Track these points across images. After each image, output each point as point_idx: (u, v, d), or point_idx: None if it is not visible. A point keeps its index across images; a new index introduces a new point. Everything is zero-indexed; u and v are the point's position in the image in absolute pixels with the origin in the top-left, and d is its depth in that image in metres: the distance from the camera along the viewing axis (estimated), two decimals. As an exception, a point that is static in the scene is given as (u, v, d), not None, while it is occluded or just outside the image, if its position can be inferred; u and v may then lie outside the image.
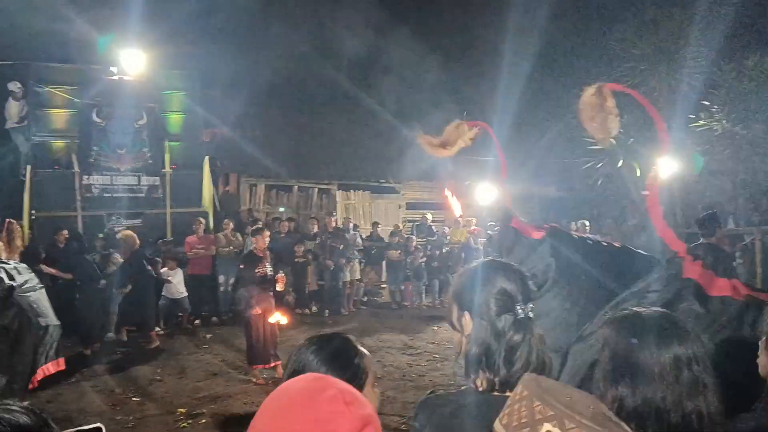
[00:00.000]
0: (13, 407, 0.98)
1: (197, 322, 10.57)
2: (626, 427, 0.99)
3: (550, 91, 15.07)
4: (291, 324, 9.88)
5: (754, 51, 11.18)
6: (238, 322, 8.75)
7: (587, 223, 12.41)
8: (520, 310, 1.60)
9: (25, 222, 10.61)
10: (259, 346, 7.31)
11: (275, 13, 15.57)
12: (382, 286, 13.23)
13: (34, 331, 6.17)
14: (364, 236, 13.43)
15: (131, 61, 10.78)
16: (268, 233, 7.94)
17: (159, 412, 6.43)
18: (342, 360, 1.63)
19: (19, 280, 6.03)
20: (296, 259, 11.55)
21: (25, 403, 1.03)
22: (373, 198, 15.41)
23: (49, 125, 11.43)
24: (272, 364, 7.32)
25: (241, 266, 7.86)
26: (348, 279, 12.03)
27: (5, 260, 6.11)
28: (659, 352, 1.41)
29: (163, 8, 12.35)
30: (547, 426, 0.92)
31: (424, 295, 13.00)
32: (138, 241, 9.18)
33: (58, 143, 11.44)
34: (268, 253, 7.69)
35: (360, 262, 12.50)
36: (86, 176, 11.15)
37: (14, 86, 11.49)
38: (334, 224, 12.35)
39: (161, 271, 10.15)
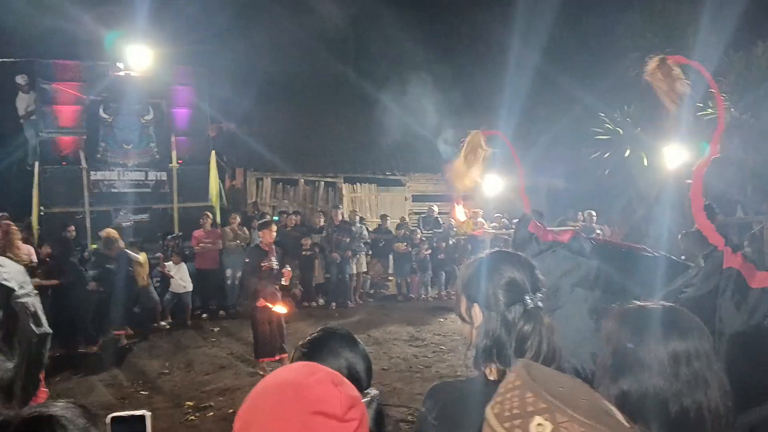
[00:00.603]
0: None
1: (204, 315, 10.62)
2: (620, 417, 0.97)
3: (556, 82, 14.98)
4: (298, 317, 9.95)
5: (763, 39, 11.06)
6: (246, 315, 8.78)
7: (594, 213, 12.35)
8: (529, 300, 1.59)
9: (34, 218, 10.70)
10: (266, 339, 7.35)
11: (281, 8, 15.56)
12: (389, 278, 13.23)
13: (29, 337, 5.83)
14: (370, 229, 13.44)
15: (138, 57, 10.85)
16: (275, 227, 7.94)
17: (167, 406, 6.48)
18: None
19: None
20: (303, 253, 11.57)
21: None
22: (379, 191, 15.40)
23: (56, 121, 11.48)
24: (279, 357, 7.34)
25: (247, 260, 7.88)
26: (354, 272, 12.06)
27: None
28: (657, 347, 1.39)
29: (169, 4, 12.41)
30: (538, 419, 0.90)
31: (430, 287, 13.00)
32: (122, 242, 9.10)
33: (66, 139, 11.49)
34: (274, 247, 7.71)
35: (366, 255, 12.51)
36: (94, 172, 11.21)
37: (21, 79, 11.58)
38: (340, 217, 12.36)
39: (165, 265, 10.21)
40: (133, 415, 1.13)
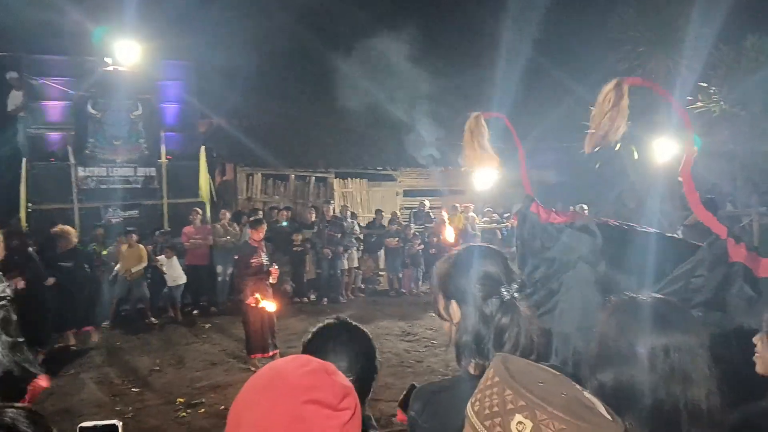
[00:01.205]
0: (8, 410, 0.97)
1: (195, 312, 10.58)
2: (603, 410, 0.96)
3: (547, 75, 14.99)
4: (289, 312, 9.93)
5: (753, 31, 11.08)
6: (237, 312, 8.75)
7: (585, 207, 12.39)
8: (505, 293, 1.59)
9: (22, 215, 10.61)
10: (258, 335, 7.33)
11: (270, 2, 15.47)
12: (380, 273, 13.23)
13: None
14: (363, 224, 13.42)
15: (126, 51, 10.73)
16: (265, 225, 7.91)
17: (158, 402, 6.46)
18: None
19: None
20: (294, 248, 11.54)
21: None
22: (371, 186, 15.38)
23: (44, 117, 11.38)
24: (271, 353, 7.33)
25: (237, 257, 7.85)
26: (346, 267, 12.05)
27: None
28: (636, 338, 1.39)
29: (157, -1, 12.27)
30: (518, 417, 0.90)
31: (421, 282, 13.01)
32: (75, 239, 8.66)
33: (54, 135, 11.39)
34: (263, 243, 7.69)
35: (358, 250, 12.50)
36: (82, 168, 11.12)
37: (13, 75, 11.47)
38: (331, 213, 12.33)
39: (158, 258, 10.17)
40: (104, 425, 1.07)
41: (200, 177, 12.13)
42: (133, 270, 9.77)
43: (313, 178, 14.66)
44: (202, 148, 12.30)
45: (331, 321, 1.77)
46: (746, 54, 10.82)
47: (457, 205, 13.98)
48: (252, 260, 7.32)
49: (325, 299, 11.65)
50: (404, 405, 1.72)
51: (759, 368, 1.70)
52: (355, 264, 12.41)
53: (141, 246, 9.97)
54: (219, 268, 10.93)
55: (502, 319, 1.57)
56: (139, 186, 11.59)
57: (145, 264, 9.92)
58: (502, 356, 1.03)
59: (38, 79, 11.26)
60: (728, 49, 11.01)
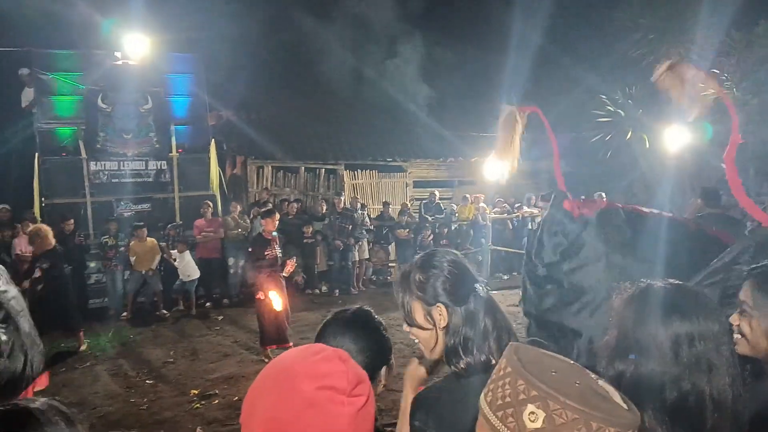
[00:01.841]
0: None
1: (208, 304, 10.65)
2: (618, 399, 0.96)
3: (557, 64, 14.88)
4: (301, 304, 9.97)
5: (766, 17, 10.92)
6: (250, 304, 8.79)
7: (603, 195, 12.28)
8: (479, 287, 1.64)
9: (36, 210, 10.69)
10: (272, 327, 7.38)
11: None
12: (391, 264, 13.24)
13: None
14: (373, 216, 13.43)
15: (135, 45, 10.77)
16: (277, 216, 7.94)
17: (172, 394, 6.53)
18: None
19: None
20: (305, 240, 11.59)
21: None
22: (380, 177, 15.36)
23: (54, 112, 11.42)
24: (284, 345, 7.37)
25: (250, 249, 7.88)
26: (357, 258, 12.07)
27: None
28: (657, 328, 1.36)
29: (166, -9, 12.29)
30: (531, 407, 0.90)
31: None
32: (53, 239, 7.72)
33: (65, 130, 11.43)
34: (276, 235, 7.71)
35: (368, 242, 12.52)
36: (94, 162, 11.16)
37: (24, 71, 11.54)
38: (342, 204, 12.34)
39: (171, 252, 10.26)
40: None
41: (210, 170, 12.15)
42: (152, 266, 9.99)
43: (323, 170, 14.66)
44: (213, 141, 12.32)
45: (348, 309, 1.79)
46: (758, 40, 10.67)
47: (468, 195, 13.95)
48: (266, 252, 7.36)
49: (337, 291, 11.70)
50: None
51: (741, 348, 1.60)
52: (366, 255, 12.43)
53: (152, 240, 10.08)
54: (231, 261, 11.00)
55: (485, 314, 1.60)
56: (150, 179, 11.62)
57: (159, 258, 10.06)
58: (514, 346, 1.03)
59: (48, 74, 11.28)
60: (740, 35, 10.86)
